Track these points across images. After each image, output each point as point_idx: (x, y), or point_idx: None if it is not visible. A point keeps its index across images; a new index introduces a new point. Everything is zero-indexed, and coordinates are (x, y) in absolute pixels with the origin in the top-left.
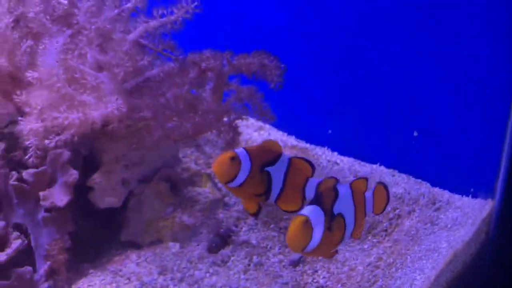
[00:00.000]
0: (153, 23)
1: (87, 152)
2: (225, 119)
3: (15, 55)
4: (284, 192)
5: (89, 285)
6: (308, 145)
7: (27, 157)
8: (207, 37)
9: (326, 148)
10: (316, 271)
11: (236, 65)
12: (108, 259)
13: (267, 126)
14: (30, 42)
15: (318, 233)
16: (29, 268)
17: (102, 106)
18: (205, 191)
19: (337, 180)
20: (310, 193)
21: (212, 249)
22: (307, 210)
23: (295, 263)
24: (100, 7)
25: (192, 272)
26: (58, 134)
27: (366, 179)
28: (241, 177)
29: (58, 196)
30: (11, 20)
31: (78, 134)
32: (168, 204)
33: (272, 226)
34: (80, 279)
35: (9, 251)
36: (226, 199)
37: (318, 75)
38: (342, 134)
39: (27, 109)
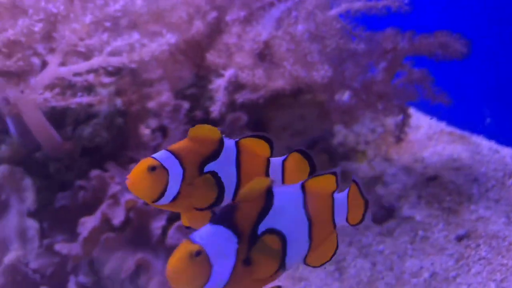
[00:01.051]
0: (357, 5)
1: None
2: (395, 100)
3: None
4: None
5: None
6: (464, 132)
7: (213, 108)
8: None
9: (481, 136)
10: (479, 245)
11: (416, 45)
12: None
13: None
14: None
15: (222, 270)
16: None
17: (306, 72)
18: (362, 167)
19: (271, 181)
20: (277, 177)
21: (377, 220)
22: (202, 233)
23: (460, 238)
24: None
25: (359, 238)
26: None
27: (336, 174)
28: (173, 189)
29: None
30: None
31: (265, 96)
32: None
33: (436, 206)
34: None
35: None
36: (384, 177)
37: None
38: (501, 124)
39: (222, 71)
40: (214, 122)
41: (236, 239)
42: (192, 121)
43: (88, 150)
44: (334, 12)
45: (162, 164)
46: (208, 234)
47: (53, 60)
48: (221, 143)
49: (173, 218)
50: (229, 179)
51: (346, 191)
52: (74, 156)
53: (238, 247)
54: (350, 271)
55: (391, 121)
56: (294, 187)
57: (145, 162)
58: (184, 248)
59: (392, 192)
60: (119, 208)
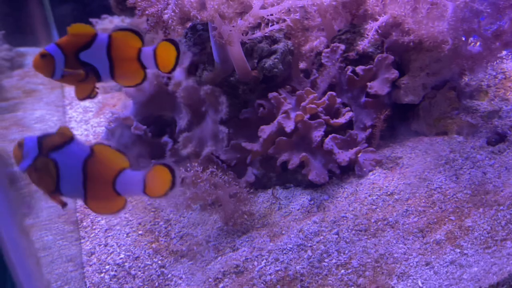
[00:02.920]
0: None
1: (398, 60)
2: None
3: None
4: (116, 68)
5: (393, 152)
6: None
7: (360, 42)
8: None
9: None
10: None
11: None
12: (402, 139)
13: None
14: None
15: None
16: (356, 132)
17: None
18: (484, 104)
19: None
20: (149, 63)
21: (491, 142)
22: None
23: None
24: None
25: (475, 155)
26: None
27: None
28: (59, 70)
29: (380, 87)
30: None
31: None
32: (454, 107)
33: None
34: (384, 148)
35: (346, 117)
36: (500, 112)
37: None
38: None
39: (377, 16)
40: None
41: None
42: (346, 60)
43: (267, 78)
44: None
45: (49, 53)
46: None
47: (257, 3)
48: (94, 36)
49: (329, 132)
50: (102, 63)
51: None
52: (257, 82)
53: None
54: (465, 176)
55: (511, 68)
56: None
57: (39, 53)
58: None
59: (506, 123)
60: (290, 120)
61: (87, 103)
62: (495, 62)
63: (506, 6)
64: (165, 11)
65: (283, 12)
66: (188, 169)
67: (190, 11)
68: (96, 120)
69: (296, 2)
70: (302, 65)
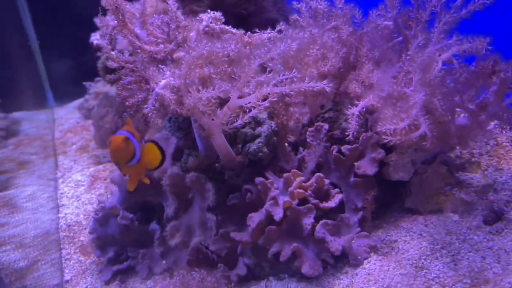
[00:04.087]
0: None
1: None
2: (506, 118)
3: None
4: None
5: (387, 234)
6: None
7: (348, 132)
8: None
9: None
10: None
11: None
12: (395, 219)
13: None
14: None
15: None
16: (347, 215)
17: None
18: (477, 176)
19: None
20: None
21: (488, 222)
22: None
23: None
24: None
25: (472, 236)
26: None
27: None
28: (137, 153)
29: (368, 167)
30: None
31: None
32: (446, 183)
33: None
34: (377, 230)
35: (336, 200)
36: (495, 185)
37: None
38: None
39: (356, 101)
40: (350, 141)
41: None
42: (331, 139)
43: (252, 162)
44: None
45: (130, 138)
46: None
47: (234, 94)
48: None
49: (319, 216)
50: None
51: None
52: (243, 167)
53: None
54: (463, 262)
55: (502, 134)
56: None
57: (120, 137)
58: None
59: (502, 198)
60: (278, 207)
61: (78, 176)
62: (485, 135)
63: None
64: (145, 106)
65: (260, 99)
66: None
67: (170, 105)
68: (87, 196)
69: (274, 89)
70: (291, 139)
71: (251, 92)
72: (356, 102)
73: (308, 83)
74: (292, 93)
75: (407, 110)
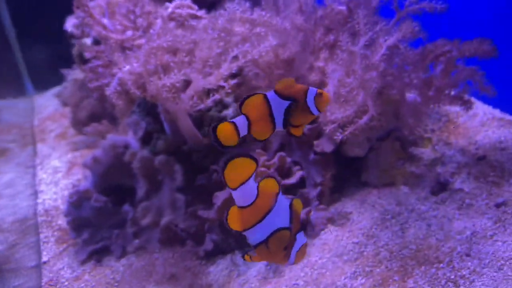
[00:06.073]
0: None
1: None
2: (453, 92)
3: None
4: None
5: (344, 207)
6: None
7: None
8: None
9: None
10: None
11: (462, 51)
12: (352, 193)
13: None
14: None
15: None
16: (307, 190)
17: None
18: (427, 151)
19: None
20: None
21: (434, 192)
22: None
23: (498, 205)
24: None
25: (419, 206)
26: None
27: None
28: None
29: (326, 145)
30: None
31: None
32: (399, 158)
33: (482, 180)
34: (335, 203)
35: (297, 176)
36: (443, 158)
37: None
38: None
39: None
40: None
41: None
42: None
43: None
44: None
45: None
46: None
47: (195, 77)
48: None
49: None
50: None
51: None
52: (210, 148)
53: None
54: (410, 230)
55: (454, 111)
56: None
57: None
58: None
59: (448, 170)
60: None
61: (57, 162)
62: (435, 107)
63: (431, 58)
64: (107, 88)
65: (222, 80)
66: None
67: (132, 89)
68: (65, 182)
69: (231, 66)
70: None
71: (212, 73)
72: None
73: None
74: (247, 65)
75: (354, 97)
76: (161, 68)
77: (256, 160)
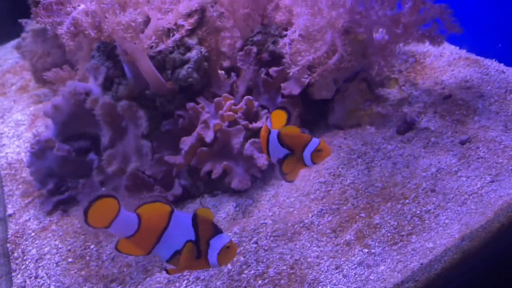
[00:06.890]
0: None
1: None
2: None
3: None
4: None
5: None
6: (478, 57)
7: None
8: None
9: (494, 60)
10: (479, 147)
11: None
12: (319, 135)
13: None
14: None
15: None
16: None
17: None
18: (394, 92)
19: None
20: None
21: (401, 131)
22: None
23: (463, 142)
24: None
25: (385, 146)
26: None
27: None
28: None
29: (293, 87)
30: None
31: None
32: (366, 99)
33: (447, 118)
34: None
35: (263, 120)
36: (410, 98)
37: None
38: (510, 47)
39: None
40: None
41: None
42: (260, 62)
43: (184, 88)
44: None
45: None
46: None
47: (153, 15)
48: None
49: (248, 136)
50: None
51: None
52: (174, 93)
53: None
54: (376, 169)
55: (421, 51)
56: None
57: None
58: None
59: (414, 110)
60: (209, 130)
61: (19, 116)
62: (401, 45)
63: None
64: (60, 27)
65: (181, 19)
66: None
67: (87, 30)
68: (29, 135)
69: (190, 4)
70: (226, 63)
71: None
72: (285, 32)
73: None
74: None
75: (322, 37)
76: (117, 6)
77: (117, 199)
